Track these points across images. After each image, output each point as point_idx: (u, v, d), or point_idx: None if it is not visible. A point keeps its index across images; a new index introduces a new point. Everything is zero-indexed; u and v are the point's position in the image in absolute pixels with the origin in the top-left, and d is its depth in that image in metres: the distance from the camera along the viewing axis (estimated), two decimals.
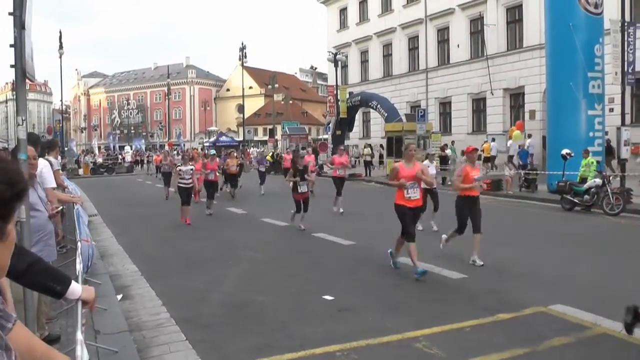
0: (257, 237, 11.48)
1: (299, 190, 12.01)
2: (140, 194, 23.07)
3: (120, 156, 49.84)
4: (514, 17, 30.97)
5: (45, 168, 5.67)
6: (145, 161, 42.65)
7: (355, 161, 34.67)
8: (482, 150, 27.88)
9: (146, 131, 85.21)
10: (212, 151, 17.80)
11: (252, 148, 42.08)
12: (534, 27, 27.57)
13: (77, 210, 7.13)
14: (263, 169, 21.96)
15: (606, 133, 19.27)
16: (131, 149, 57.16)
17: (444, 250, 8.88)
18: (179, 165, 14.39)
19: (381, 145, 36.24)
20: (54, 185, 6.00)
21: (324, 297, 6.71)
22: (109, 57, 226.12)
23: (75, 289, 2.54)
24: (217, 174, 17.00)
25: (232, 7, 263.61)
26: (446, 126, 35.59)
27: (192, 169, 13.70)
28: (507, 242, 10.31)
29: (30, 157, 4.56)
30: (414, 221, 8.09)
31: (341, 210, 14.50)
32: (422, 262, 8.16)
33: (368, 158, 32.14)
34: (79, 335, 2.58)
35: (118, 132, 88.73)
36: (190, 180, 13.46)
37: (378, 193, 21.93)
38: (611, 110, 20.63)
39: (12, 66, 4.13)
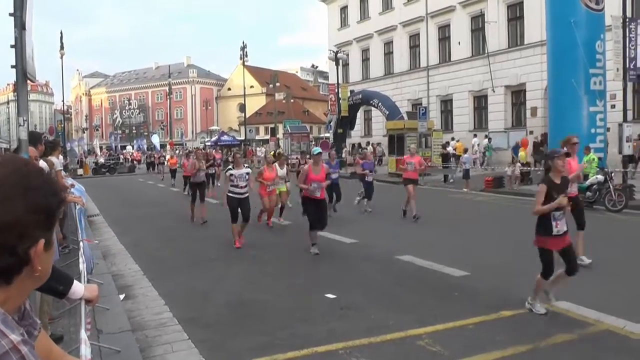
0: (259, 236, 11.47)
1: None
2: (142, 194, 23.10)
3: (122, 156, 49.88)
4: (515, 14, 30.92)
5: (44, 169, 5.67)
6: (157, 162, 37.34)
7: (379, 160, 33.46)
8: (455, 149, 28.06)
9: (148, 131, 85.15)
10: (317, 149, 10.47)
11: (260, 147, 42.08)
12: (535, 23, 27.52)
13: (79, 210, 7.14)
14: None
15: (608, 129, 19.23)
16: (140, 149, 56.96)
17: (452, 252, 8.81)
18: (229, 169, 10.62)
19: (378, 144, 36.25)
20: None
21: (326, 295, 6.71)
22: (110, 57, 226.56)
23: (78, 288, 2.55)
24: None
25: (232, 6, 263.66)
26: (447, 124, 35.58)
27: (248, 173, 10.34)
28: (509, 239, 10.29)
29: (32, 158, 4.56)
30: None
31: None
32: (426, 260, 8.18)
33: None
34: (83, 334, 2.59)
35: (120, 132, 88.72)
36: (245, 190, 10.18)
37: (380, 191, 21.90)
38: (613, 106, 20.60)
39: (13, 67, 4.14)
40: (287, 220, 13.16)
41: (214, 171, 19.97)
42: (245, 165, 11.36)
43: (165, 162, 33.71)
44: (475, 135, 31.33)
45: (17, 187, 1.06)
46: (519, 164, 21.36)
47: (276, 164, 13.44)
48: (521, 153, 23.34)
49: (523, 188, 19.35)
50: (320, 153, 10.02)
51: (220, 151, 35.33)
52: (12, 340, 1.01)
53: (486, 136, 30.45)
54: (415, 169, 13.74)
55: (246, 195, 10.10)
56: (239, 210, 10.09)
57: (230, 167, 10.62)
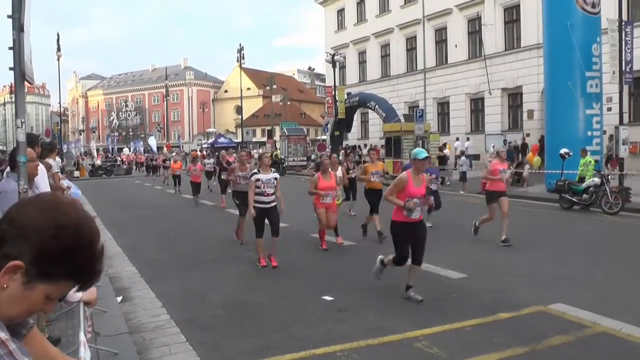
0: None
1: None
2: (139, 196, 23.07)
3: (119, 158, 49.71)
4: (512, 17, 31.01)
5: (40, 172, 5.66)
6: (161, 166, 35.07)
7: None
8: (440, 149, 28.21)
9: (144, 133, 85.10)
10: (421, 152, 7.20)
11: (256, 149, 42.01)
12: (532, 26, 27.61)
13: None
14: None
15: (604, 132, 19.30)
16: (137, 151, 56.71)
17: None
18: (254, 173, 8.93)
19: (372, 146, 36.19)
20: (47, 189, 5.98)
21: (323, 297, 6.71)
22: (106, 59, 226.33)
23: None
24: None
25: (229, 9, 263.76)
26: (444, 126, 35.63)
27: (276, 178, 8.84)
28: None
29: (31, 159, 4.56)
30: None
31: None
32: (423, 262, 8.18)
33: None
34: (82, 337, 2.59)
35: (116, 134, 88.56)
36: (273, 197, 8.73)
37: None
38: (609, 109, 20.66)
39: (11, 69, 4.13)
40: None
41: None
42: (273, 170, 9.33)
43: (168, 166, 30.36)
44: (457, 139, 31.54)
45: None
46: (527, 166, 21.46)
47: (330, 169, 10.41)
48: (536, 158, 23.35)
49: (518, 191, 19.39)
50: (427, 157, 6.88)
51: (234, 153, 33.83)
52: (0, 337, 1.06)
53: (468, 139, 30.88)
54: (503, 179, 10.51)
55: (274, 204, 8.70)
56: (266, 221, 8.71)
57: (255, 171, 8.97)
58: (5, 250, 1.12)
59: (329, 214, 9.84)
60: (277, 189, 8.78)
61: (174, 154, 33.38)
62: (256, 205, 8.62)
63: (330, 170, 10.22)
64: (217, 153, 25.21)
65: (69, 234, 1.13)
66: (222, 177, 16.42)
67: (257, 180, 8.63)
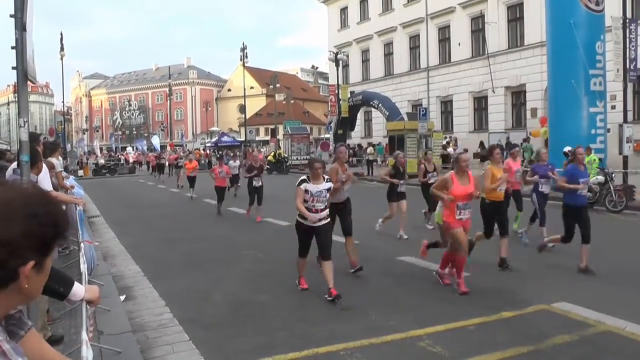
0: (259, 236, 11.48)
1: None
2: (143, 195, 23.10)
3: (123, 157, 49.79)
4: (515, 15, 30.95)
5: (42, 171, 5.68)
6: (172, 165, 31.05)
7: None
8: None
9: (148, 132, 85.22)
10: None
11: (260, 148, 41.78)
12: (535, 24, 27.53)
13: (79, 211, 7.14)
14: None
15: (608, 130, 19.24)
16: (138, 149, 56.67)
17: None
18: (302, 180, 6.80)
19: (372, 146, 36.18)
20: (50, 188, 6.00)
21: (326, 296, 6.70)
22: (110, 58, 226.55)
23: (78, 290, 2.54)
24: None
25: (232, 8, 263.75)
26: (448, 125, 35.61)
27: (328, 189, 6.82)
28: (509, 241, 10.27)
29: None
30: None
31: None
32: (426, 260, 8.17)
33: (371, 157, 32.18)
34: (84, 336, 2.59)
35: (120, 133, 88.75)
36: (325, 214, 6.81)
37: (381, 192, 21.89)
38: (613, 107, 20.60)
39: (13, 68, 4.14)
40: (286, 222, 11.59)
41: (260, 183, 13.86)
42: (326, 178, 6.84)
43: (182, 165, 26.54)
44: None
45: (19, 211, 1.15)
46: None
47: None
48: (543, 129, 23.45)
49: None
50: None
51: (262, 151, 29.00)
52: None
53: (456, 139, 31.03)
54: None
55: (325, 222, 6.77)
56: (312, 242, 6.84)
57: (304, 178, 6.77)
58: None
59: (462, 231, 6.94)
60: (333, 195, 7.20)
61: (188, 152, 30.26)
62: (301, 221, 6.72)
63: (465, 170, 7.06)
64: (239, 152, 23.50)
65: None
66: (254, 183, 13.74)
67: (306, 191, 6.64)
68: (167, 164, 32.30)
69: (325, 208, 6.78)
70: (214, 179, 15.65)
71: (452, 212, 6.88)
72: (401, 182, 10.77)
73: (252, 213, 13.86)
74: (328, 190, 6.76)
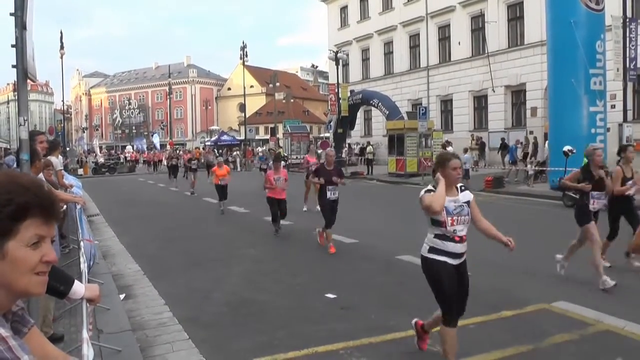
0: (259, 235, 11.48)
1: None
2: (142, 194, 23.10)
3: (122, 156, 49.77)
4: (515, 14, 30.93)
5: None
6: (188, 167, 24.32)
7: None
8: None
9: (148, 130, 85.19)
10: None
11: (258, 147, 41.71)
12: (535, 23, 27.51)
13: (79, 210, 7.14)
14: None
15: (608, 129, 19.24)
16: (139, 149, 56.67)
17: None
18: (429, 190, 4.54)
19: (371, 145, 36.14)
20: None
21: (326, 295, 6.71)
22: (110, 57, 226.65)
23: (79, 288, 2.54)
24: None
25: (232, 6, 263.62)
26: (447, 124, 35.59)
27: (468, 202, 4.77)
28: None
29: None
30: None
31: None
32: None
33: (370, 156, 32.18)
34: (85, 334, 2.59)
35: (119, 131, 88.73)
36: (464, 246, 4.84)
37: (380, 191, 21.94)
38: (613, 106, 20.58)
39: (13, 66, 4.14)
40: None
41: (337, 195, 10.17)
42: (463, 187, 4.76)
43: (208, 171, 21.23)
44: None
45: None
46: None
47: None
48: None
49: (521, 188, 19.37)
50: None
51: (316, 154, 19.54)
52: (1, 333, 1.08)
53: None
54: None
55: (463, 259, 4.79)
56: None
57: (430, 187, 4.56)
58: None
59: None
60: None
61: (218, 156, 24.81)
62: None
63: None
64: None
65: None
66: (329, 195, 10.01)
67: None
68: (182, 164, 27.67)
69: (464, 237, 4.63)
70: (265, 190, 11.51)
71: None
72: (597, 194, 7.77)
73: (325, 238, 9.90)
74: (467, 203, 4.67)
